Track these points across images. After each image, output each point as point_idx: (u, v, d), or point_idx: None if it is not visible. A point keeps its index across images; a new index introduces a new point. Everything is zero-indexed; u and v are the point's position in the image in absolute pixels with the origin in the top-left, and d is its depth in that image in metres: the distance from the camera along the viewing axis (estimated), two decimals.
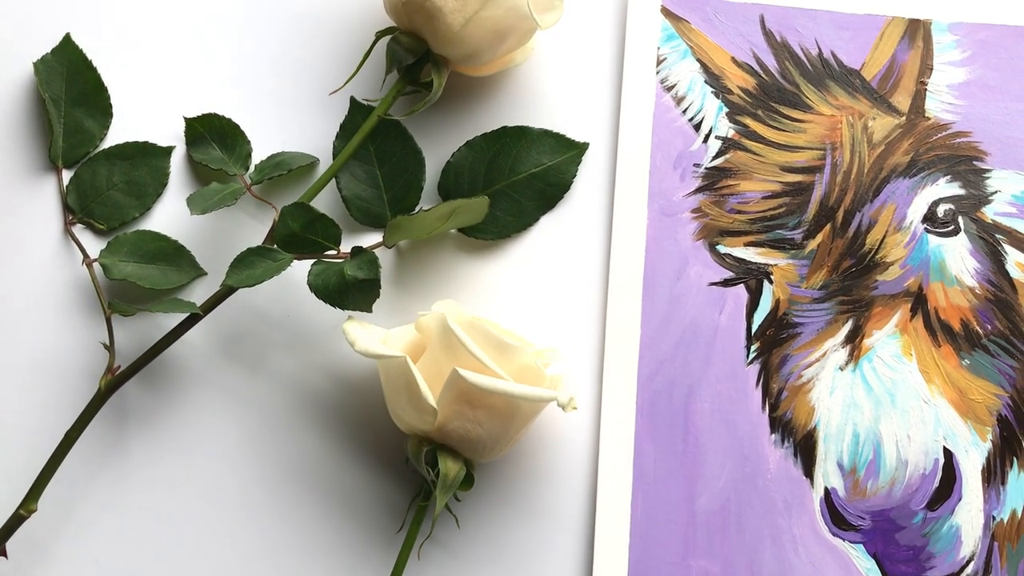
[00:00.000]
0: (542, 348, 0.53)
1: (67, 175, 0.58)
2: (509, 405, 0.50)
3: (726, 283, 0.58)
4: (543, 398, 0.49)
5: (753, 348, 0.57)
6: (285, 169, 0.56)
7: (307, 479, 0.55)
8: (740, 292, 0.58)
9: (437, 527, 0.54)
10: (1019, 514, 0.55)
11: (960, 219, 0.58)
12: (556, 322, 0.57)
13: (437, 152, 0.58)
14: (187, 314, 0.53)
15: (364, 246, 0.54)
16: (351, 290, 0.52)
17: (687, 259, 0.58)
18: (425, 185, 0.57)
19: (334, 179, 0.57)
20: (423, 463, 0.51)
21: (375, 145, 0.57)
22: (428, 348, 0.51)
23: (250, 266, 0.52)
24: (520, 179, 0.57)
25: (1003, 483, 0.56)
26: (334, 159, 0.56)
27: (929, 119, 0.59)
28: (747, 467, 0.56)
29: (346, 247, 0.54)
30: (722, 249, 0.58)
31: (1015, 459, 0.56)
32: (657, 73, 0.60)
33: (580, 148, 0.58)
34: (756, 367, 0.57)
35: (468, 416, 0.50)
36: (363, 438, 0.55)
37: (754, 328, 0.57)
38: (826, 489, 0.55)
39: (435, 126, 0.58)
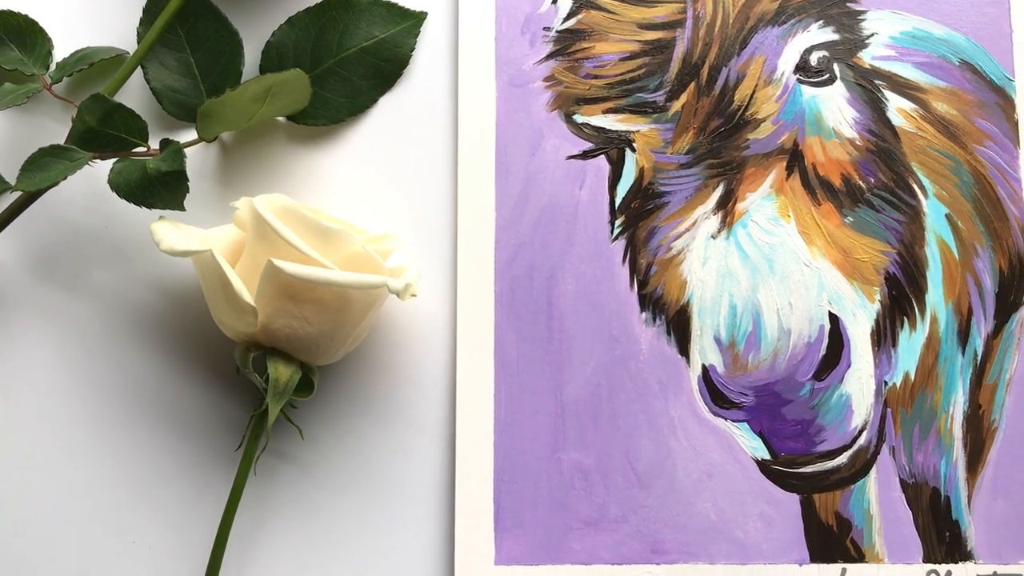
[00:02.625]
0: (377, 234, 0.48)
1: None
2: (338, 297, 0.45)
3: (585, 155, 0.53)
4: (370, 284, 0.44)
5: (618, 223, 0.52)
6: (87, 63, 0.51)
7: (137, 401, 0.50)
8: (601, 164, 0.53)
9: (284, 440, 0.50)
10: (912, 377, 0.51)
11: (835, 66, 0.53)
12: (403, 210, 0.52)
13: (256, 33, 0.52)
14: None
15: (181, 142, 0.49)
16: (156, 186, 0.46)
17: (542, 132, 0.53)
18: (245, 70, 0.52)
19: (142, 71, 0.51)
20: (251, 370, 0.46)
21: (185, 29, 0.51)
22: (246, 243, 0.46)
23: (43, 168, 0.47)
24: (350, 55, 0.52)
25: (894, 345, 0.52)
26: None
27: None
28: (617, 350, 0.51)
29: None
30: (579, 119, 0.53)
31: (905, 319, 0.52)
32: None
33: (416, 18, 0.53)
34: (622, 243, 0.52)
35: (293, 312, 0.45)
36: (195, 351, 0.51)
37: (618, 201, 0.52)
38: (704, 366, 0.51)
39: (252, 4, 0.53)
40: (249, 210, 0.45)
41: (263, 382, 0.46)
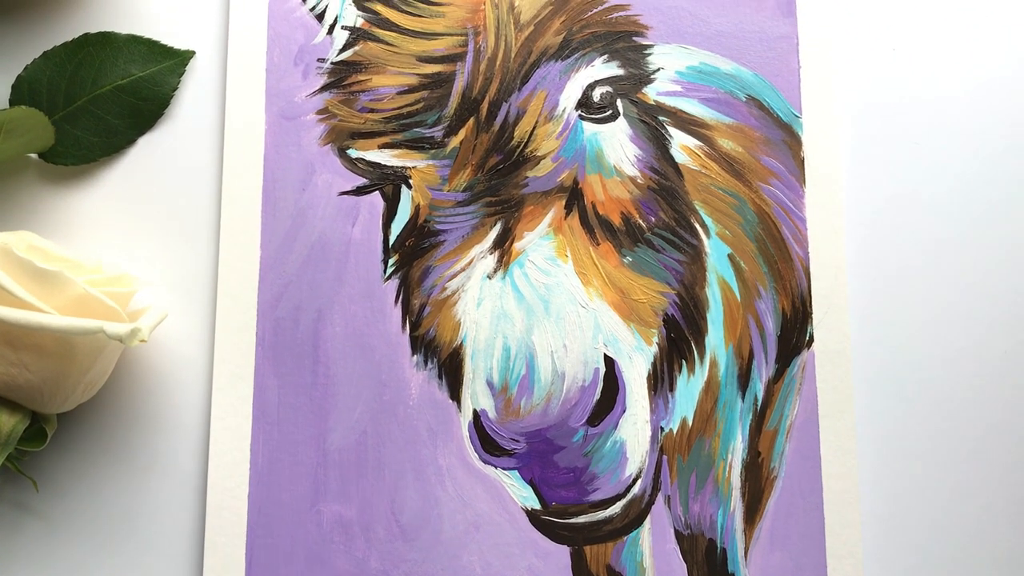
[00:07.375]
0: (113, 274, 0.46)
1: None
2: (58, 343, 0.43)
3: (359, 191, 0.51)
4: (81, 330, 0.42)
5: (391, 262, 0.50)
6: None
7: None
8: (375, 200, 0.51)
9: (27, 492, 0.47)
10: (690, 422, 0.50)
11: (619, 102, 0.52)
12: (162, 248, 0.50)
13: (8, 66, 0.50)
14: None
15: None
16: None
17: (313, 167, 0.51)
18: None
19: None
20: None
21: None
22: None
23: None
24: (104, 93, 0.50)
25: (671, 390, 0.50)
26: None
27: None
28: (386, 395, 0.49)
29: None
30: (353, 153, 0.51)
31: (684, 362, 0.50)
32: None
33: (181, 57, 0.51)
34: (395, 283, 0.50)
35: (11, 359, 0.42)
36: None
37: (392, 239, 0.51)
38: (475, 412, 0.49)
39: (5, 35, 0.51)
40: None
41: None
